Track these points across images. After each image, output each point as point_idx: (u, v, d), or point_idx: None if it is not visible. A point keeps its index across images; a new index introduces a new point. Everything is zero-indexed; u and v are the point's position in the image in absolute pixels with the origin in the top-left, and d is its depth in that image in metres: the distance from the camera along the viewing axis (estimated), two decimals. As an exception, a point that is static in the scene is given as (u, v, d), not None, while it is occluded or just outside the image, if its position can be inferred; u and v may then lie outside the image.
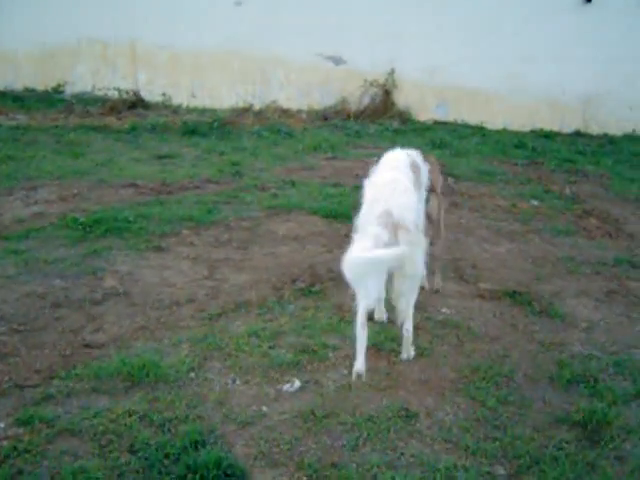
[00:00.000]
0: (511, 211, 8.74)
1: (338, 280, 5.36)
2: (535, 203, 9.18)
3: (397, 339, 5.04)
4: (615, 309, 6.09)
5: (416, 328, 5.10)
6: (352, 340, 4.75)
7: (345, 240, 5.01)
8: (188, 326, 5.30)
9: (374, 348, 5.00)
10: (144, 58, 15.92)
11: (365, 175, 5.22)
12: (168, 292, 5.88)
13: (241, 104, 15.00)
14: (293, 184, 9.22)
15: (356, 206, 5.07)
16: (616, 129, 15.56)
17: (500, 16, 15.31)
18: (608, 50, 15.18)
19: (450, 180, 9.82)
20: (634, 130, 15.55)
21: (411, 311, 4.89)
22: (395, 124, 14.29)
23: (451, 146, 12.31)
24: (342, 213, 7.85)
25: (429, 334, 5.36)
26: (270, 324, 5.36)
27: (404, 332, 4.92)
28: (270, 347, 5.00)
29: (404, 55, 15.29)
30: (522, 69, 15.29)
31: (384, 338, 5.19)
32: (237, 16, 15.37)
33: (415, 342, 5.01)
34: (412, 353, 4.98)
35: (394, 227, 4.56)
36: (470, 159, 11.53)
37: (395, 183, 4.87)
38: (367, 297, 4.53)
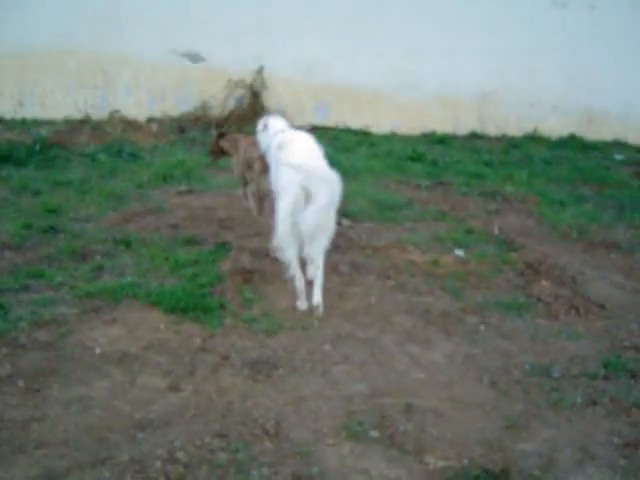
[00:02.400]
0: (433, 273, 6.13)
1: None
2: (460, 254, 6.61)
3: None
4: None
5: None
6: None
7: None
8: None
9: None
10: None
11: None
12: None
13: (78, 115, 11.86)
14: (128, 244, 6.34)
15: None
16: (516, 129, 13.35)
17: (383, 5, 12.73)
18: (504, 42, 12.90)
19: (344, 221, 7.16)
20: (535, 130, 13.36)
21: None
22: (266, 132, 11.42)
23: (338, 164, 9.59)
24: (197, 304, 5.09)
25: None
26: None
27: None
28: None
29: (274, 50, 12.57)
30: (409, 64, 12.89)
31: None
32: (72, 7, 12.15)
33: None
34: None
35: None
36: (362, 182, 8.88)
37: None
38: None
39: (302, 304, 5.27)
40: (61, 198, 7.62)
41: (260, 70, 12.57)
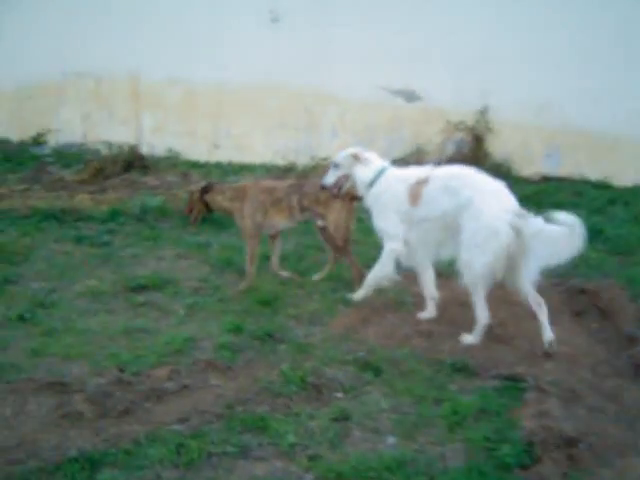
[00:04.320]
0: None
1: None
2: None
3: None
4: None
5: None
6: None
7: None
8: None
9: None
10: (149, 97, 11.32)
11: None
12: None
13: (279, 159, 10.35)
14: (377, 371, 4.49)
15: None
16: None
17: (630, 39, 10.45)
18: None
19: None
20: None
21: None
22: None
23: (598, 232, 7.45)
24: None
25: None
26: None
27: None
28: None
29: (500, 88, 10.52)
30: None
31: None
32: (272, 39, 10.72)
33: None
34: None
35: None
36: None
37: None
38: None
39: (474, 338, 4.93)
40: (275, 283, 5.94)
41: (484, 110, 10.61)
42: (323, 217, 5.80)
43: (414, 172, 5.36)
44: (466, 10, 10.49)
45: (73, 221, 7.58)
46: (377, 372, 4.44)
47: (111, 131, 11.19)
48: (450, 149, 10.64)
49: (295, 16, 10.88)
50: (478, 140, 10.67)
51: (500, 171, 9.97)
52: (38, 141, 11.55)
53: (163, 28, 11.09)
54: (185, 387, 4.16)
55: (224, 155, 10.85)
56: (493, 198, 4.88)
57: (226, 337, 4.89)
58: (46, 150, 11.14)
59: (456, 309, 5.46)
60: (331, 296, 5.74)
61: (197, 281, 5.99)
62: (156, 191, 8.52)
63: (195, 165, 10.24)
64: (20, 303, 5.47)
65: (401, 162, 10.44)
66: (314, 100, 10.79)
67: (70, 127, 11.68)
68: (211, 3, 10.97)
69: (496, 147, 10.65)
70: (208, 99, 11.00)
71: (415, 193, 5.20)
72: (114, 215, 7.65)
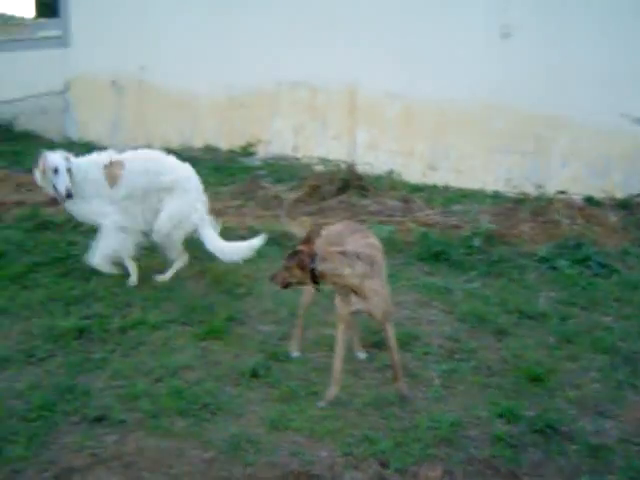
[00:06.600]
0: None
1: None
2: None
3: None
4: None
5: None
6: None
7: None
8: None
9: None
10: (365, 111, 10.56)
11: None
12: None
13: (501, 187, 9.32)
14: None
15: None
16: None
17: None
18: None
19: None
20: None
21: None
22: None
23: None
24: None
25: None
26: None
27: None
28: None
29: None
30: None
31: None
32: (502, 56, 9.68)
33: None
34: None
35: None
36: None
37: None
38: None
39: None
40: (543, 352, 4.95)
41: None
42: None
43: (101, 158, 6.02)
44: None
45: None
46: None
47: (323, 145, 10.56)
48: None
49: (528, 32, 9.79)
50: None
51: None
52: (247, 151, 11.10)
53: (383, 41, 10.31)
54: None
55: (440, 178, 9.92)
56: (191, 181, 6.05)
57: (499, 426, 3.95)
58: (256, 161, 10.65)
59: None
60: (613, 375, 4.68)
61: (447, 339, 5.08)
62: (378, 218, 7.72)
63: (414, 188, 9.35)
64: (250, 352, 4.78)
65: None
66: (544, 123, 9.64)
67: (281, 138, 11.16)
68: (437, 19, 10.09)
69: None
70: (427, 117, 10.11)
71: (113, 176, 5.89)
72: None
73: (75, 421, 3.90)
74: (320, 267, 3.87)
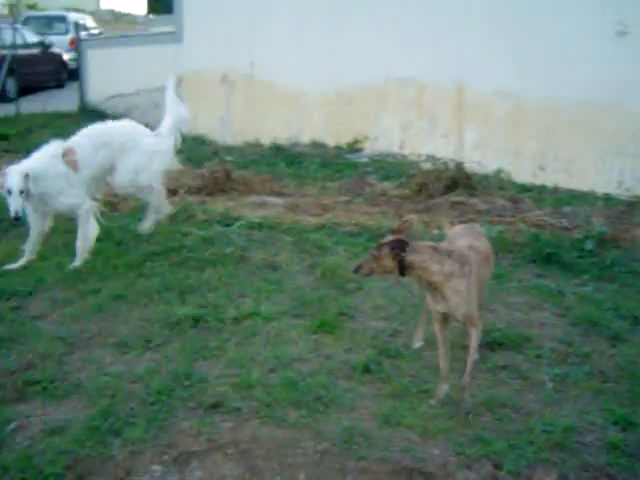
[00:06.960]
0: None
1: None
2: None
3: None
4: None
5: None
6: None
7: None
8: None
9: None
10: (474, 109, 10.44)
11: None
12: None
13: (613, 189, 9.05)
14: None
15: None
16: None
17: None
18: None
19: None
20: None
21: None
22: None
23: None
24: None
25: None
26: None
27: None
28: None
29: None
30: None
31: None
32: (617, 54, 9.37)
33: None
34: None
35: None
36: None
37: None
38: None
39: None
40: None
41: None
42: None
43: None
44: None
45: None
46: None
47: (430, 143, 10.49)
48: None
49: (646, 29, 9.47)
50: None
51: None
52: (354, 147, 11.15)
53: (494, 39, 10.15)
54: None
55: (549, 178, 9.72)
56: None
57: (614, 433, 3.88)
58: (363, 158, 10.69)
59: None
60: None
61: (560, 343, 4.99)
62: (487, 217, 7.64)
63: (523, 188, 9.20)
64: (361, 347, 4.83)
65: None
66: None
67: (388, 135, 11.16)
68: (550, 17, 9.84)
69: None
70: (537, 116, 9.91)
71: (72, 163, 6.15)
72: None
73: (192, 407, 4.04)
74: (409, 257, 3.84)
